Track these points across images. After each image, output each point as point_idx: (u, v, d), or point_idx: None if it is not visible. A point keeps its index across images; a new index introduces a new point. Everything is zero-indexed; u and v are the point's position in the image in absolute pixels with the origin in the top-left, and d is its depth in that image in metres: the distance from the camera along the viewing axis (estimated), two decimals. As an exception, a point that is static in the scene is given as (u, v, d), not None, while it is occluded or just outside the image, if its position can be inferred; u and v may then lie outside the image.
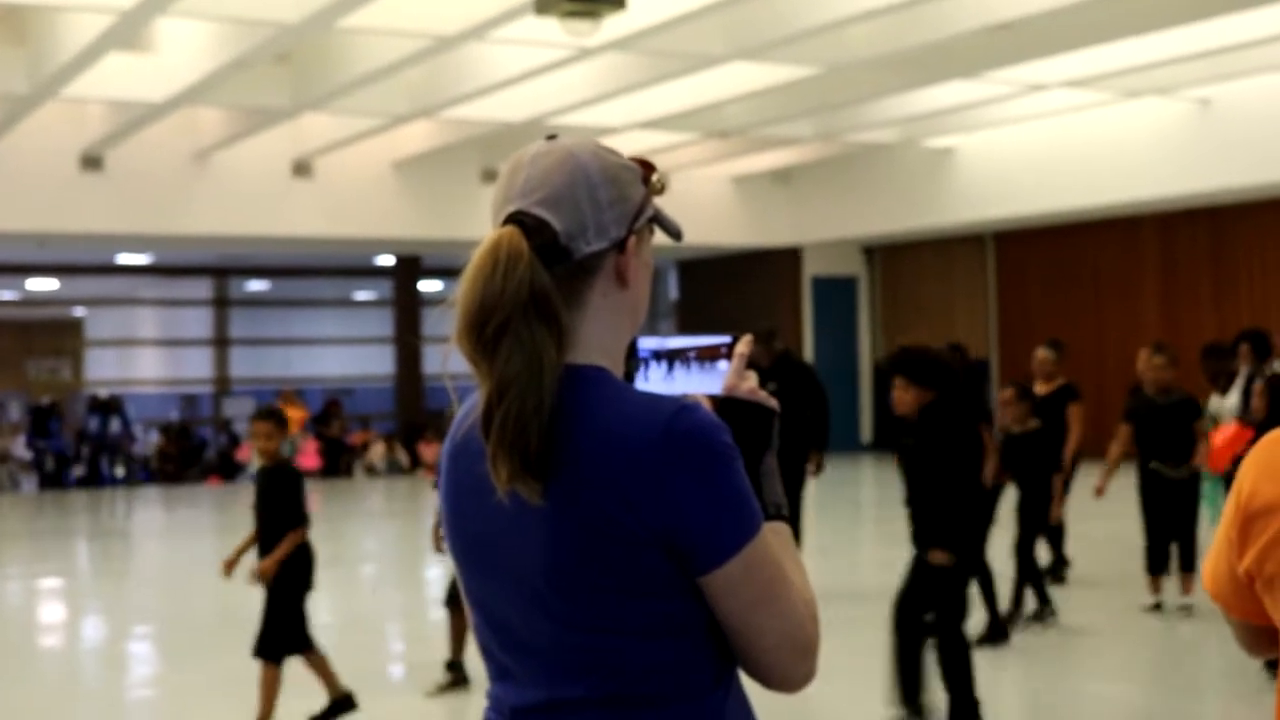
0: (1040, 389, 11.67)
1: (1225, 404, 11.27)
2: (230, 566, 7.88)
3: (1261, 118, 17.66)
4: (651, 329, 30.02)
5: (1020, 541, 10.24)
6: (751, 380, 2.19)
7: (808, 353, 25.28)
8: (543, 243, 2.01)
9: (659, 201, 2.17)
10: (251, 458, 25.72)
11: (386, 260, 27.59)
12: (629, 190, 2.09)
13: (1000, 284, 25.09)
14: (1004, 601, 9.99)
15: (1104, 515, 12.87)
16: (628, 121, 18.58)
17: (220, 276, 29.19)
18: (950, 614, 7.20)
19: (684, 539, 1.95)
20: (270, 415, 7.80)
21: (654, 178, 2.15)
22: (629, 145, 19.83)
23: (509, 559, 2.04)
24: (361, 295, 31.46)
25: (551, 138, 2.13)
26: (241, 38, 14.26)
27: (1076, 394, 11.58)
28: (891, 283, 26.73)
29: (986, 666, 9.15)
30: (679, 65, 15.82)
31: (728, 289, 26.78)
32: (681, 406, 1.98)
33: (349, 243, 23.48)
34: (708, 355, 2.19)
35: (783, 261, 25.98)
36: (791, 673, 2.03)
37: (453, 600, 8.40)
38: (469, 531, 2.11)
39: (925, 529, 7.22)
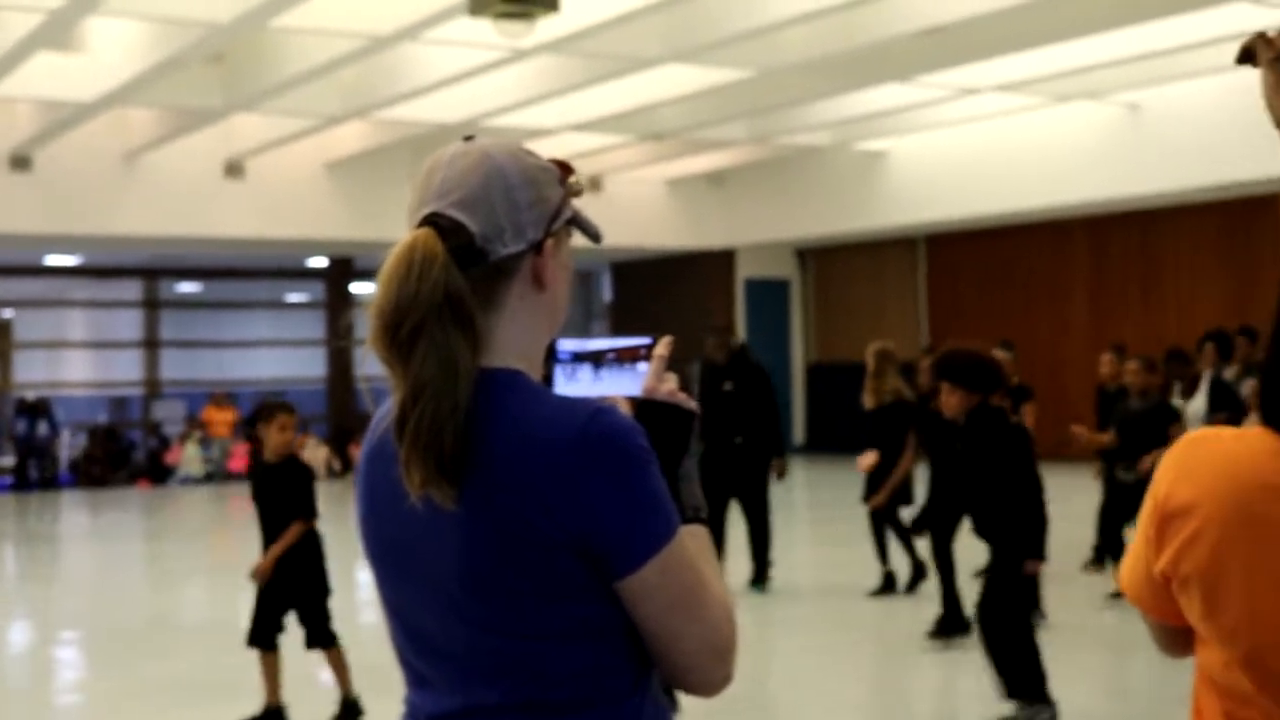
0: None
1: (1190, 407, 11.39)
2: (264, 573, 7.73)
3: (1189, 122, 17.83)
4: (585, 331, 30.06)
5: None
6: (671, 382, 2.18)
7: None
8: (458, 245, 2.00)
9: (578, 203, 2.17)
10: (182, 461, 25.54)
11: (319, 262, 27.46)
12: (546, 192, 2.08)
13: (931, 286, 25.24)
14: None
15: (1074, 519, 12.96)
16: (562, 123, 18.57)
17: (151, 278, 28.95)
18: (1023, 604, 7.45)
19: (600, 543, 1.94)
20: (283, 408, 7.73)
21: (572, 179, 2.14)
22: (563, 148, 19.82)
23: (424, 564, 2.02)
24: (294, 297, 31.29)
25: (469, 139, 2.11)
26: (173, 37, 14.15)
27: (1030, 394, 11.81)
28: (824, 285, 26.83)
29: (947, 660, 9.20)
30: (613, 67, 15.83)
31: (661, 291, 26.81)
32: (597, 410, 1.97)
33: (281, 244, 23.35)
34: (627, 357, 2.18)
35: (716, 264, 26.03)
36: (709, 676, 2.03)
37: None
38: (384, 536, 2.09)
39: (999, 532, 7.36)
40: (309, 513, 7.63)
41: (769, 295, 26.59)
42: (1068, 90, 18.12)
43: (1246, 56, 1.75)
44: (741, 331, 25.86)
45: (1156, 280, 21.79)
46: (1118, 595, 10.47)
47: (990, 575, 7.43)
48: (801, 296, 27.09)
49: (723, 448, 11.71)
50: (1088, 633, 10.21)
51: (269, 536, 7.72)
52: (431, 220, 2.02)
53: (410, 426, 1.94)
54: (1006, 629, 7.32)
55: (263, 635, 7.70)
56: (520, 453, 1.94)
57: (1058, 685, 8.88)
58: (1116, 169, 19.20)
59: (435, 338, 1.94)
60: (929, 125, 20.58)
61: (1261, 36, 1.74)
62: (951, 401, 7.38)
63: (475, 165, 2.05)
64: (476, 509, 1.95)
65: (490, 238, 2.02)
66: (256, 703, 7.89)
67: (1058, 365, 22.36)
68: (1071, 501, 14.07)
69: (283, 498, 7.65)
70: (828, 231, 24.16)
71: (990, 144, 20.69)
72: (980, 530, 7.48)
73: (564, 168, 2.14)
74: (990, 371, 7.43)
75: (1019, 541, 7.28)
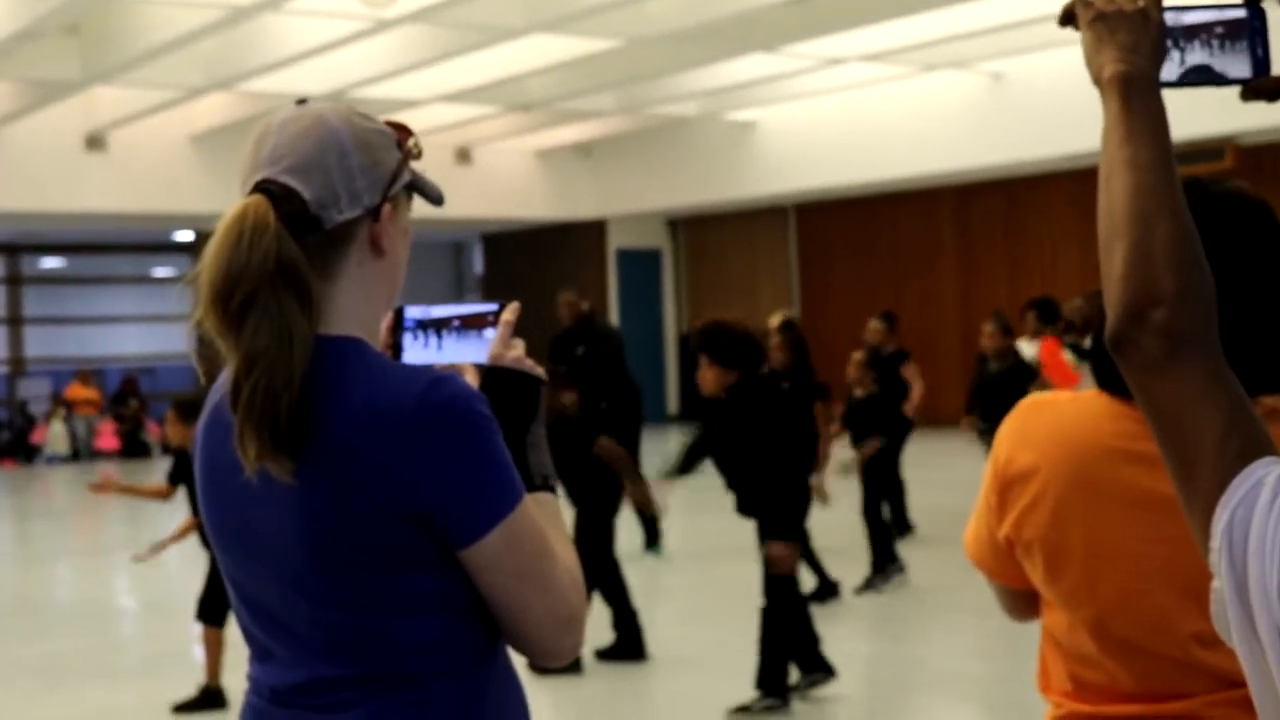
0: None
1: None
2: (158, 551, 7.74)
3: (1052, 91, 18.04)
4: (456, 302, 29.85)
5: (866, 502, 10.51)
6: (518, 349, 2.16)
7: (614, 324, 25.33)
8: (291, 212, 1.95)
9: (420, 166, 2.12)
10: (48, 440, 25.12)
11: (186, 236, 27.09)
12: (382, 156, 2.04)
13: (802, 255, 25.40)
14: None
15: (942, 484, 13.13)
16: (429, 94, 18.44)
17: (13, 254, 28.42)
18: (790, 590, 7.29)
19: (441, 513, 1.92)
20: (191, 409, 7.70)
21: (410, 142, 2.10)
22: (431, 119, 19.70)
23: (263, 538, 1.99)
24: (160, 272, 30.83)
25: (301, 103, 2.07)
26: (29, 7, 13.86)
27: (908, 356, 12.06)
28: (696, 255, 26.91)
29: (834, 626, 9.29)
30: (478, 38, 15.74)
31: (533, 262, 26.74)
32: (436, 378, 1.95)
33: (146, 218, 23.00)
34: (474, 324, 2.15)
35: (587, 234, 26.02)
36: (556, 645, 2.02)
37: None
38: (222, 510, 2.06)
39: (757, 517, 7.21)
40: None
41: (641, 265, 26.63)
42: (933, 60, 18.28)
43: (1068, 19, 1.78)
44: (614, 302, 25.89)
45: (1022, 246, 22.10)
46: None
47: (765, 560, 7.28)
48: (673, 266, 27.16)
49: (589, 415, 11.69)
50: (955, 595, 10.36)
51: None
52: (263, 187, 1.98)
53: (244, 399, 1.90)
54: (773, 617, 7.26)
55: (212, 611, 7.62)
56: (359, 423, 1.91)
57: (927, 646, 9.01)
58: (982, 138, 19.41)
59: (268, 308, 1.90)
60: (797, 95, 20.66)
61: None
62: (708, 377, 7.09)
63: (308, 130, 2.00)
64: (314, 481, 1.92)
65: (325, 204, 1.98)
66: (131, 685, 7.82)
67: (927, 332, 22.60)
68: (943, 468, 14.28)
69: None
70: (698, 201, 24.23)
71: (858, 113, 20.83)
72: (742, 509, 7.31)
73: (402, 130, 2.10)
74: (749, 347, 7.14)
75: (786, 533, 7.17)
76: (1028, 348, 12.62)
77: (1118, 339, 1.55)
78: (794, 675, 7.43)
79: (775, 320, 11.22)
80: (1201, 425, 1.50)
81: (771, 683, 7.25)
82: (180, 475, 7.79)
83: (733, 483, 7.27)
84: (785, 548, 7.16)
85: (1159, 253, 1.54)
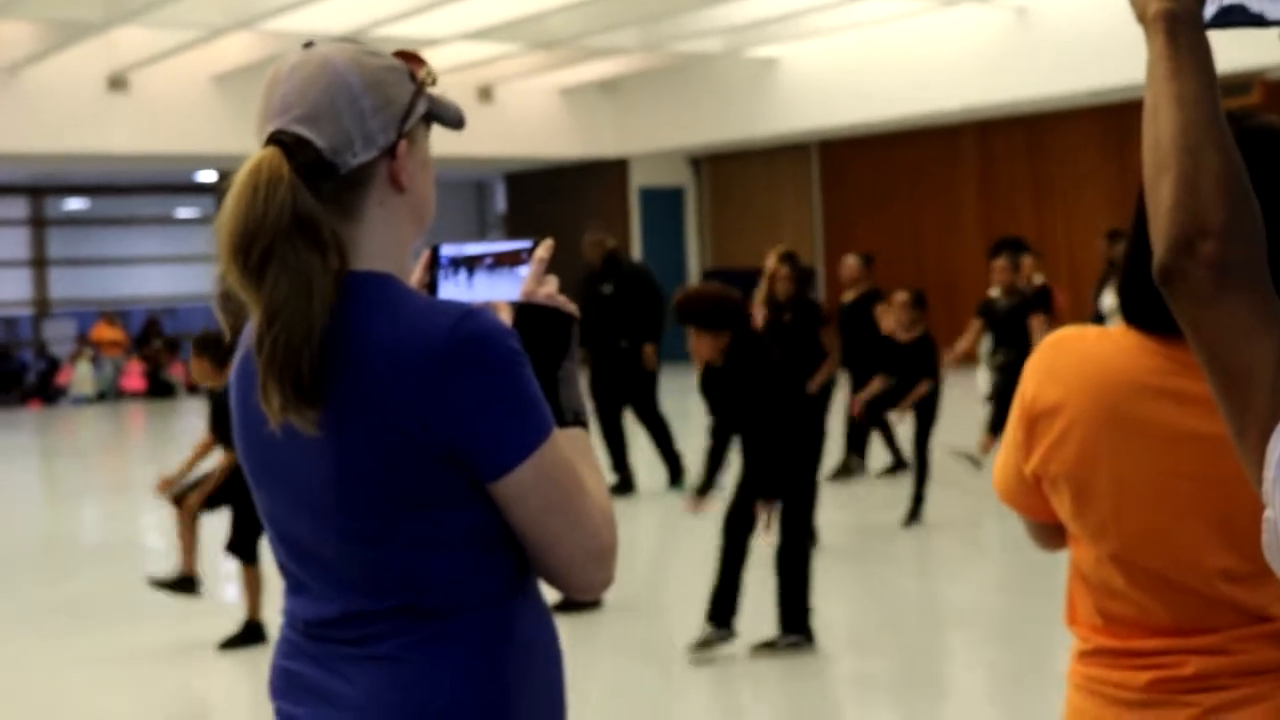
0: (847, 296, 12.27)
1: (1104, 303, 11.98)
2: (169, 485, 7.91)
3: (1076, 26, 17.92)
4: (480, 241, 29.87)
5: (919, 441, 10.46)
6: (551, 285, 2.17)
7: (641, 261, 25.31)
8: (305, 161, 1.96)
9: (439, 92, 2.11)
10: (74, 381, 25.23)
11: (208, 176, 27.10)
12: (394, 92, 2.03)
13: (825, 192, 25.33)
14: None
15: (963, 424, 13.11)
16: (451, 33, 18.38)
17: (37, 196, 28.46)
18: (800, 537, 7.27)
19: (470, 445, 1.94)
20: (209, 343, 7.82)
21: (422, 72, 2.09)
22: (453, 57, 19.64)
23: (296, 477, 2.02)
24: (183, 213, 30.88)
25: (309, 45, 2.06)
26: (49, -52, 13.85)
27: (881, 295, 12.04)
28: (719, 193, 26.84)
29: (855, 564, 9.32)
30: (501, -25, 15.68)
31: (556, 201, 26.71)
32: (466, 312, 1.96)
33: (169, 159, 23.02)
34: (507, 261, 2.16)
35: (610, 173, 25.97)
36: (588, 579, 2.04)
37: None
38: (255, 449, 2.08)
39: (757, 471, 7.19)
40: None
41: (664, 203, 26.57)
42: (956, -6, 18.17)
43: None
44: (636, 240, 25.86)
45: (1045, 182, 21.99)
46: None
47: (743, 497, 7.26)
48: (696, 204, 27.10)
49: (609, 353, 11.72)
50: (975, 533, 10.39)
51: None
52: (276, 138, 1.98)
53: (265, 352, 1.92)
54: (788, 564, 7.25)
55: (244, 548, 7.72)
56: (389, 358, 1.93)
57: (943, 583, 9.04)
58: (1004, 73, 19.28)
59: (287, 260, 1.91)
60: (819, 31, 20.54)
61: None
62: (702, 346, 7.08)
63: (315, 75, 2.00)
64: (345, 424, 1.94)
65: (339, 149, 1.98)
66: (157, 624, 7.87)
67: (950, 268, 22.55)
68: (967, 405, 14.25)
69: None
70: (721, 139, 24.14)
71: (880, 49, 20.70)
72: (751, 463, 7.28)
73: (414, 60, 2.09)
74: (731, 307, 7.10)
75: (786, 490, 7.15)
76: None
77: (1166, 271, 1.55)
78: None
79: (774, 255, 11.20)
80: (1253, 356, 1.50)
81: (794, 620, 7.27)
82: (217, 419, 7.86)
83: (747, 441, 7.27)
84: (769, 504, 7.14)
85: (1207, 185, 1.54)
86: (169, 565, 8.62)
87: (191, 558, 8.00)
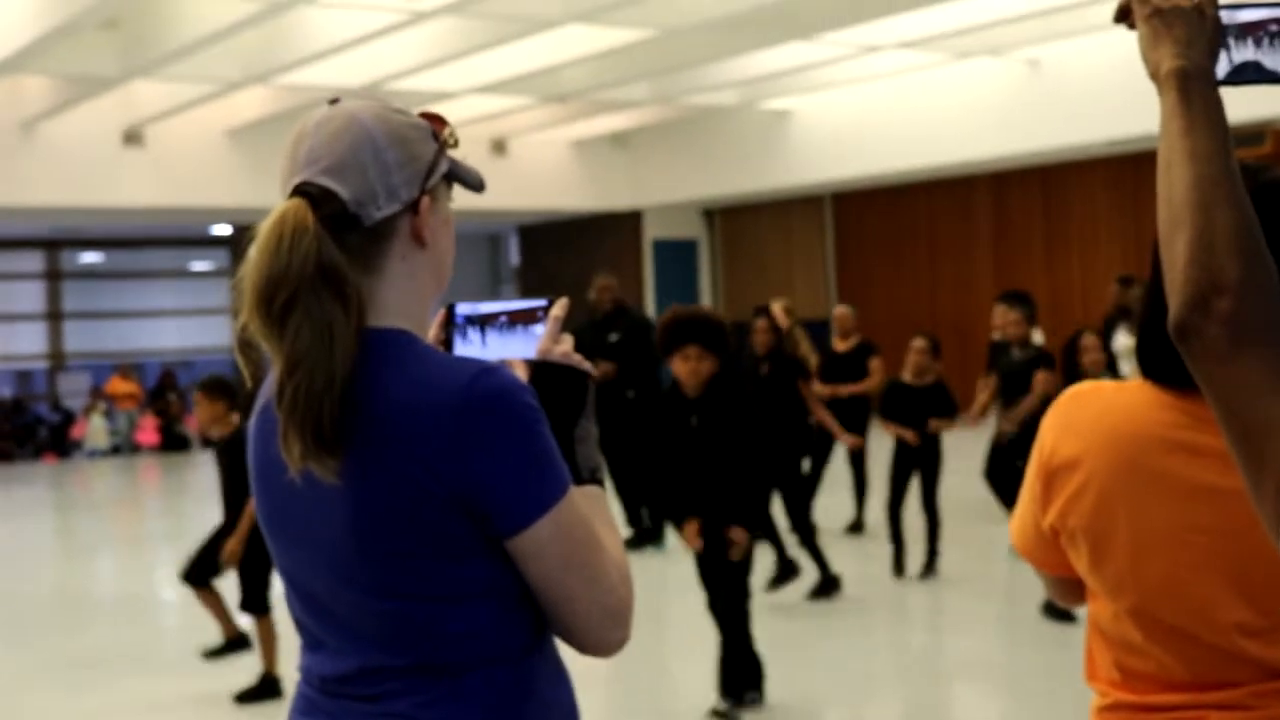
0: (839, 346, 12.36)
1: (1120, 343, 11.97)
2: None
3: (1088, 78, 17.98)
4: (493, 295, 29.95)
5: (925, 495, 10.41)
6: (566, 344, 2.18)
7: (650, 315, 25.36)
8: (330, 213, 1.98)
9: (459, 155, 2.14)
10: (88, 434, 25.26)
11: (223, 230, 27.21)
12: (418, 149, 2.06)
13: (838, 243, 25.36)
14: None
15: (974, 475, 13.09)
16: (464, 86, 18.47)
17: (52, 249, 28.59)
18: (745, 589, 6.97)
19: (488, 501, 1.94)
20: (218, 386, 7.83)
21: (445, 132, 2.12)
22: (466, 110, 19.74)
23: (313, 529, 2.02)
24: (198, 266, 30.99)
25: (334, 102, 2.09)
26: (67, 2, 13.94)
27: (875, 348, 12.08)
28: (731, 245, 26.88)
29: (860, 616, 9.27)
30: (515, 28, 15.76)
31: (569, 253, 26.76)
32: (483, 368, 1.97)
33: (183, 212, 23.10)
34: (522, 319, 2.18)
35: (623, 225, 26.02)
36: (605, 637, 2.03)
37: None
38: (273, 502, 2.08)
39: (726, 505, 6.82)
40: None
41: (677, 255, 26.60)
42: (969, 47, 18.22)
43: (1123, 15, 1.80)
44: (650, 292, 25.89)
45: (1059, 234, 22.01)
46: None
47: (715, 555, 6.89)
48: (710, 256, 27.13)
49: (615, 403, 11.69)
50: (984, 584, 10.35)
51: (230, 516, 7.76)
52: (302, 190, 2.01)
53: (287, 400, 1.93)
54: (731, 619, 6.93)
55: (255, 601, 7.72)
56: (407, 413, 1.94)
57: (952, 635, 8.98)
58: (1017, 125, 19.33)
59: (310, 310, 1.93)
60: (833, 84, 20.62)
61: None
62: (703, 367, 6.72)
63: (342, 130, 2.03)
64: (363, 475, 1.94)
65: (363, 202, 2.00)
66: (171, 677, 7.85)
67: (963, 320, 22.55)
68: (976, 457, 14.22)
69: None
70: (734, 191, 24.19)
71: (894, 101, 20.77)
72: (723, 499, 6.87)
73: (436, 121, 2.12)
74: (725, 330, 6.83)
75: (744, 510, 6.80)
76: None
77: (1182, 328, 1.55)
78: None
79: (778, 305, 11.26)
80: (1270, 412, 1.50)
81: (744, 678, 7.03)
82: (228, 474, 7.84)
83: (719, 476, 6.83)
84: (745, 534, 6.77)
85: (1221, 241, 1.54)
86: (185, 618, 8.61)
87: (228, 622, 7.97)
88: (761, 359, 10.50)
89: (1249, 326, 1.51)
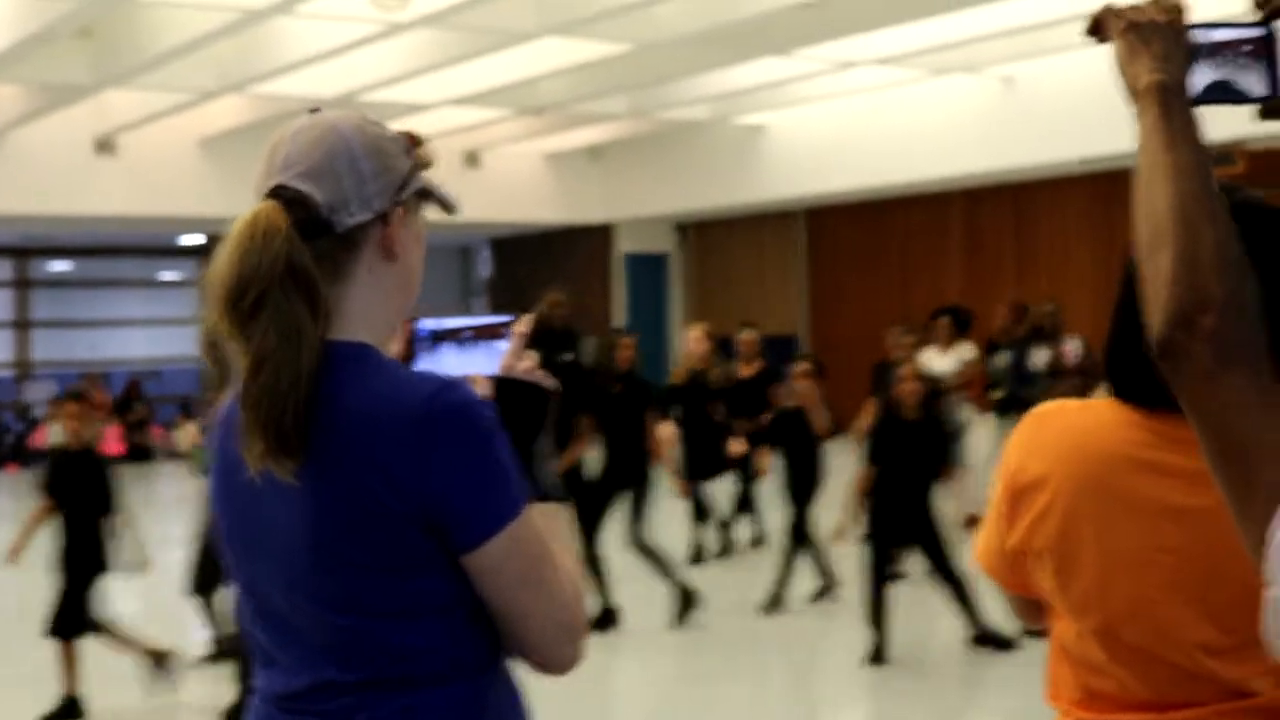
0: (743, 371, 12.28)
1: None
2: (17, 553, 7.88)
3: (1062, 96, 18.03)
4: (464, 307, 29.90)
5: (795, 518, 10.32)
6: (530, 360, 2.18)
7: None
8: (303, 216, 1.99)
9: (435, 175, 2.16)
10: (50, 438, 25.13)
11: (194, 239, 27.13)
12: (393, 162, 2.07)
13: (811, 259, 25.38)
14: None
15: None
16: (439, 98, 18.45)
17: (21, 257, 28.45)
18: None
19: (445, 516, 1.93)
20: (78, 396, 7.83)
21: (421, 150, 2.13)
22: (441, 122, 19.71)
23: (270, 539, 2.01)
24: (168, 276, 30.88)
25: (314, 111, 2.10)
26: (41, 11, 13.88)
27: (779, 375, 11.97)
28: (704, 260, 26.89)
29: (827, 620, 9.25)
30: (490, 41, 15.74)
31: (541, 266, 26.74)
32: (445, 383, 1.97)
33: (155, 221, 23.02)
34: (486, 335, 2.18)
35: (595, 238, 26.02)
36: (557, 654, 2.03)
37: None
38: (232, 510, 2.08)
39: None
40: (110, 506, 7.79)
41: (649, 269, 26.61)
42: (944, 64, 18.26)
43: (1096, 29, 1.78)
44: (621, 305, 25.90)
45: (1031, 251, 22.07)
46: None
47: None
48: (682, 270, 27.14)
49: (568, 425, 11.56)
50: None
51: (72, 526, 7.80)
52: (276, 193, 2.01)
53: (251, 398, 1.93)
54: None
55: (64, 625, 7.74)
56: (366, 425, 1.93)
57: (928, 650, 8.97)
58: (992, 142, 19.38)
59: (279, 309, 1.93)
60: (807, 99, 20.64)
61: (1110, 9, 1.78)
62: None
63: (320, 138, 2.04)
64: (321, 482, 1.94)
65: (336, 208, 2.01)
66: (130, 687, 7.79)
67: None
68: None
69: (79, 487, 7.84)
70: (707, 205, 24.20)
71: (868, 117, 20.81)
72: None
73: (413, 138, 2.13)
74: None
75: None
76: (939, 359, 12.81)
77: (1166, 346, 1.53)
78: None
79: (697, 330, 11.83)
80: (1254, 433, 1.48)
81: None
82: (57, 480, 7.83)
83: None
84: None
85: (1206, 259, 1.53)
86: (144, 630, 8.56)
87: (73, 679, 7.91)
88: (616, 377, 10.35)
89: (1233, 344, 1.49)
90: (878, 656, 8.52)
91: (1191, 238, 1.54)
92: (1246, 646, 2.01)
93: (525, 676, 2.09)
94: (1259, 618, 1.46)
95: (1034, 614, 2.32)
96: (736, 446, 11.60)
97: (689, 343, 12.30)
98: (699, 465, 11.84)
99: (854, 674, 8.58)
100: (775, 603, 10.18)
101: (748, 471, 12.14)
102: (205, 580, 8.23)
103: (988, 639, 8.69)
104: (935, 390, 10.31)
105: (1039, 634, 2.33)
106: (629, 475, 10.01)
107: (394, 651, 1.97)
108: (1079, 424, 2.14)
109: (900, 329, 10.90)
